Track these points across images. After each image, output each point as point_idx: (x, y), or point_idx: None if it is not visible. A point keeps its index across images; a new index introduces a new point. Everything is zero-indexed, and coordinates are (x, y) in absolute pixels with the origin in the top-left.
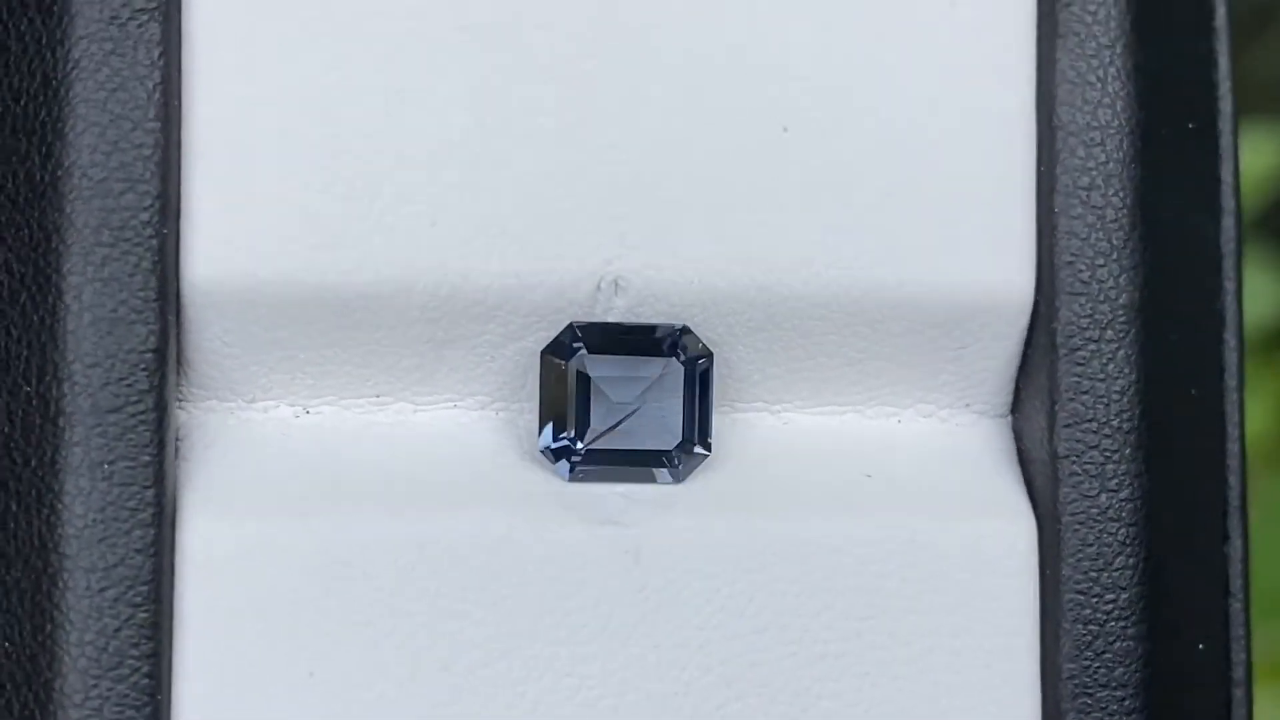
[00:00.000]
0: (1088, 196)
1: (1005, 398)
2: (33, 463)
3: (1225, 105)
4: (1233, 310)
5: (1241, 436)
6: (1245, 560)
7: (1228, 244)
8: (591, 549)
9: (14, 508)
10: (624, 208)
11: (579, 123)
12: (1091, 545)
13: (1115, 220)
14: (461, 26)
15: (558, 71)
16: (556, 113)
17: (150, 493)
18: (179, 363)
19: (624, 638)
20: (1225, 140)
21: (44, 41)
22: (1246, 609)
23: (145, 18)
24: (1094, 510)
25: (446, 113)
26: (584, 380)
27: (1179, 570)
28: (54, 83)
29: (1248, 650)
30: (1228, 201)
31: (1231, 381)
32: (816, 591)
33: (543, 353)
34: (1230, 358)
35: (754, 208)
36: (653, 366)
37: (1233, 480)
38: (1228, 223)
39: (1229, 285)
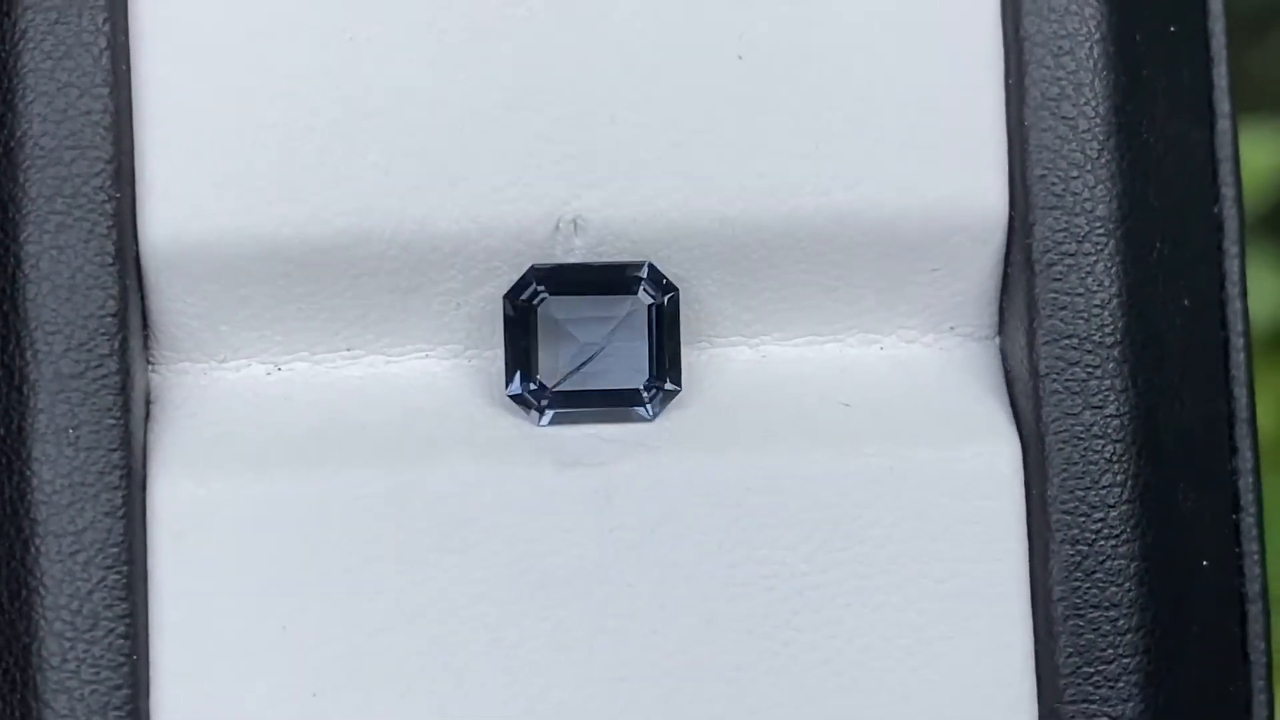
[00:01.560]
0: (1058, 107)
1: (991, 319)
2: (1, 432)
3: (1214, 5)
4: (1233, 216)
5: (1247, 347)
6: (1256, 474)
7: (1223, 148)
8: (563, 490)
9: None
10: (578, 146)
11: (529, 62)
12: (1077, 464)
13: (1088, 130)
14: None
15: (505, 12)
16: (506, 54)
17: (117, 455)
18: (146, 326)
19: (599, 578)
20: (1216, 42)
21: None
22: (1259, 524)
23: None
24: (1078, 428)
25: (394, 59)
26: (549, 323)
27: (1176, 487)
28: (2, 55)
29: (1263, 566)
30: (1221, 105)
31: (1234, 289)
32: (793, 524)
33: (504, 297)
34: (1231, 265)
35: (712, 139)
36: (618, 305)
37: (1238, 391)
38: (1223, 126)
39: (1227, 191)
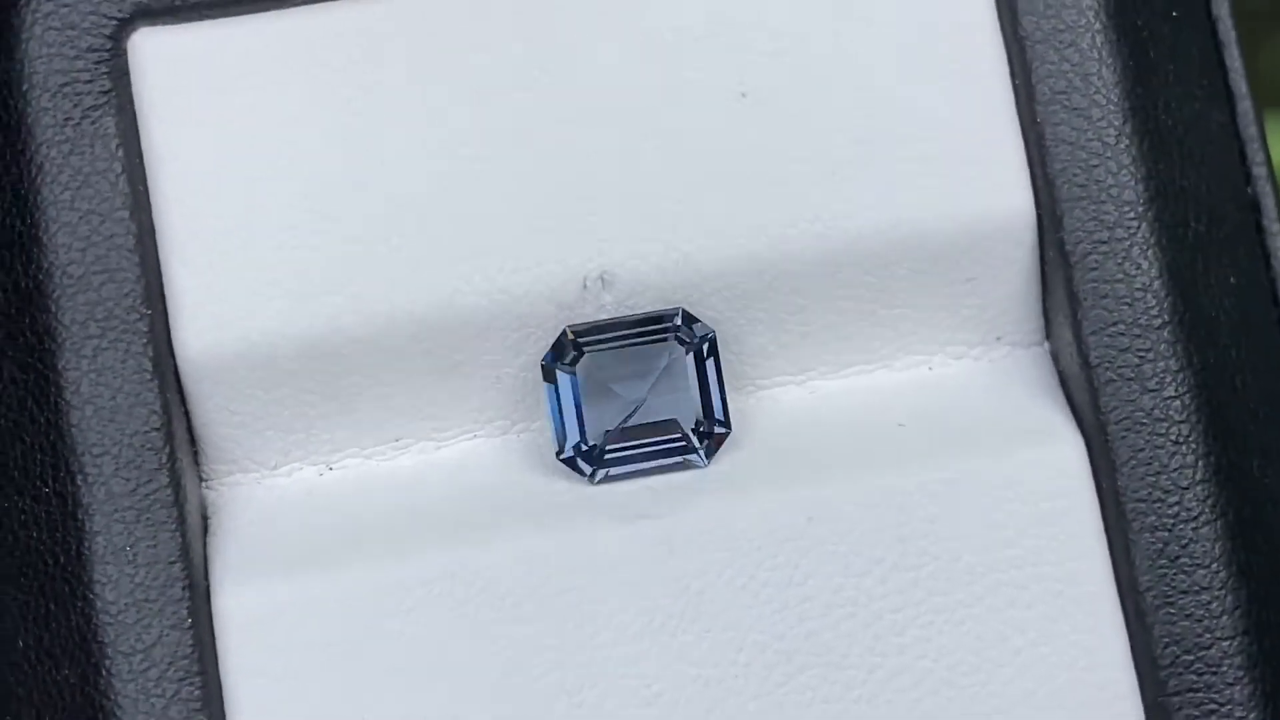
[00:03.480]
0: (1068, 99)
1: (1036, 324)
2: (61, 560)
3: None
4: (1268, 195)
5: None
6: None
7: (1247, 129)
8: (624, 546)
9: (52, 608)
10: (595, 202)
11: (537, 127)
12: (1143, 450)
13: (1102, 118)
14: (410, 60)
15: (509, 84)
16: (514, 122)
17: (177, 568)
18: (194, 441)
19: (672, 629)
20: (1223, 26)
21: (8, 156)
22: None
23: (98, 113)
24: (1139, 414)
25: (405, 146)
26: (591, 382)
27: (1250, 462)
28: (22, 191)
29: None
30: (1238, 87)
31: None
32: (862, 549)
33: (543, 363)
34: (1275, 243)
35: (726, 178)
36: (657, 355)
37: None
38: (1244, 107)
39: (1259, 170)
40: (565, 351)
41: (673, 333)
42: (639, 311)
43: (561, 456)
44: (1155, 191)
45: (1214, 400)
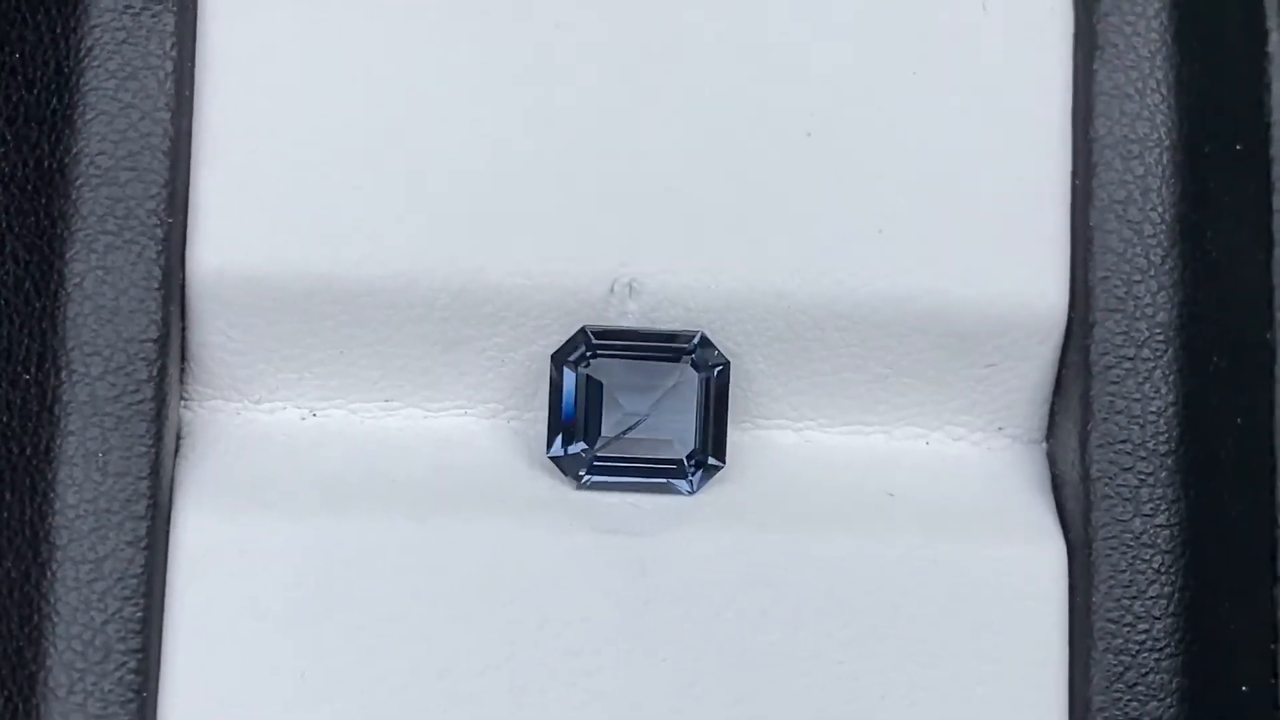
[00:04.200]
0: (1124, 211)
1: (1040, 422)
2: (28, 451)
3: (1278, 133)
4: None
5: None
6: None
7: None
8: (597, 558)
9: (7, 497)
10: (640, 210)
11: (596, 123)
12: (1124, 571)
13: (1154, 235)
14: (483, 17)
15: (578, 70)
16: (575, 112)
17: (145, 485)
18: (184, 360)
19: (629, 649)
20: (1277, 170)
21: (58, 30)
22: None
23: (159, 8)
24: (1127, 535)
25: (463, 108)
26: (595, 386)
27: (1220, 606)
28: (66, 70)
29: None
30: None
31: None
32: (832, 610)
33: (553, 357)
34: None
35: (774, 213)
36: (667, 374)
37: None
38: None
39: None
40: (577, 349)
41: (688, 354)
42: (659, 327)
43: (551, 454)
44: (1189, 318)
45: (1200, 536)
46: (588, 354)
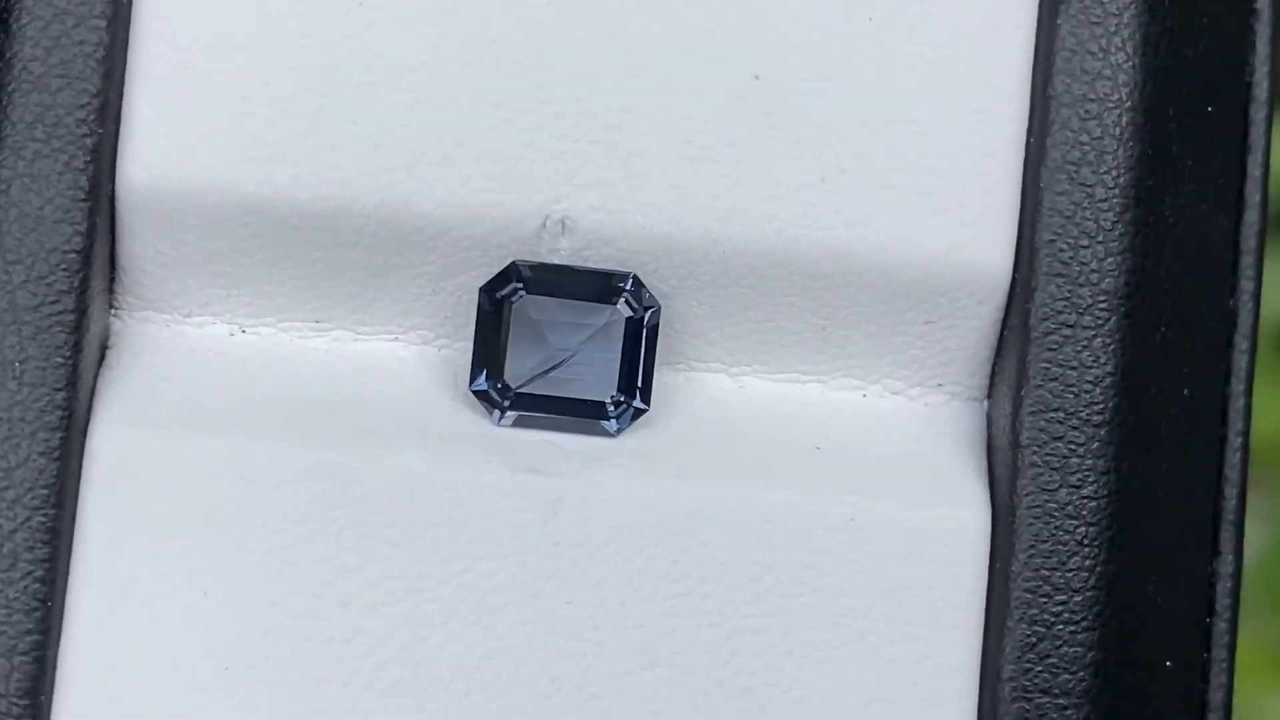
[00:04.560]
0: (1077, 172)
1: (982, 381)
2: None
3: (1259, 92)
4: (1248, 311)
5: (1245, 447)
6: (1237, 579)
7: (1248, 240)
8: (510, 496)
9: None
10: (577, 145)
11: (535, 54)
12: (1045, 541)
13: (1105, 200)
14: None
15: (520, 1)
16: (513, 43)
17: (60, 396)
18: (114, 269)
19: (535, 590)
20: (1256, 130)
21: None
22: (1233, 631)
23: None
24: (1051, 505)
25: (401, 34)
26: (523, 322)
27: (1148, 580)
28: None
29: (1229, 675)
30: (1252, 196)
31: (1239, 386)
32: (744, 563)
33: (481, 289)
34: (1240, 361)
35: (716, 157)
36: (596, 313)
37: (1230, 492)
38: (1250, 217)
39: (1246, 285)
40: (507, 283)
41: (619, 295)
42: (591, 265)
43: (473, 387)
44: (1135, 287)
45: (1130, 509)
46: (517, 288)
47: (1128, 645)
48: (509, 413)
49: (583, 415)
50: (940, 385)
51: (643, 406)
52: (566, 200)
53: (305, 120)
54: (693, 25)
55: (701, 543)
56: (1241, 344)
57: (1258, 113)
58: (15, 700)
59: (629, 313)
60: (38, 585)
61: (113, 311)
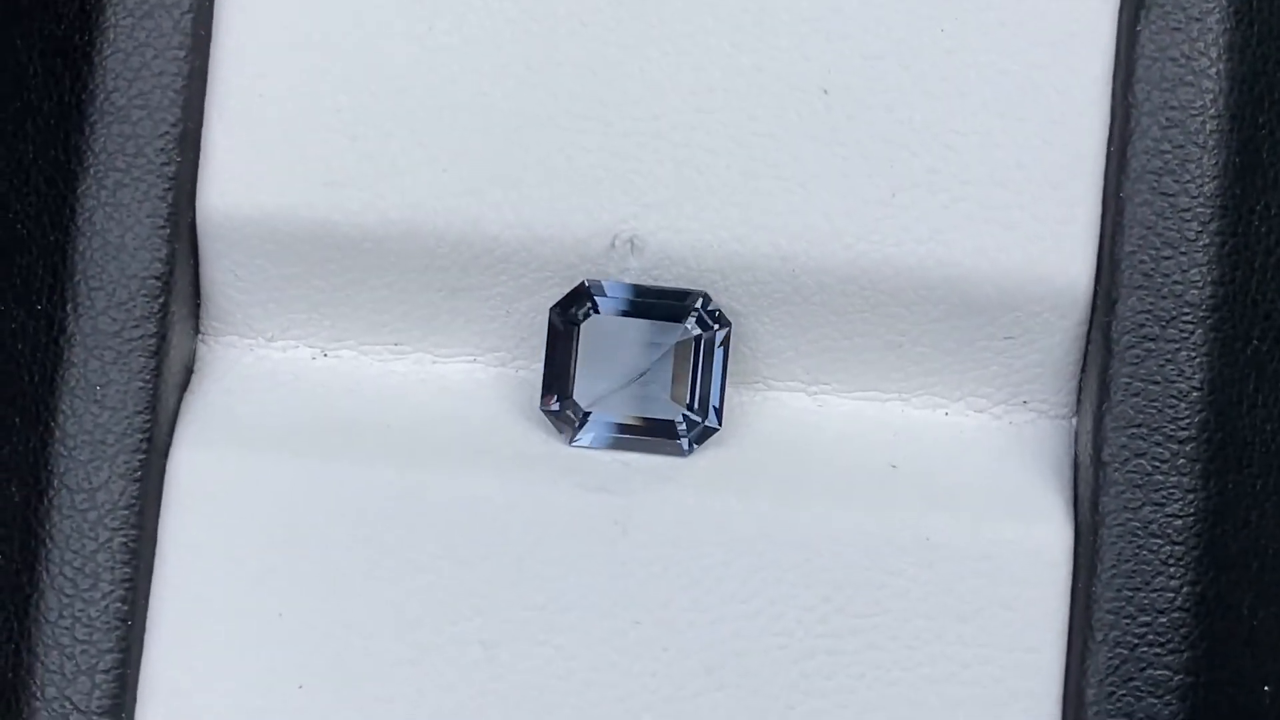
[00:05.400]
0: (1159, 181)
1: (1069, 397)
2: (35, 379)
3: None
4: None
5: None
6: None
7: None
8: (581, 515)
9: (16, 422)
10: (645, 165)
11: (602, 74)
12: (1129, 561)
13: (1189, 209)
14: None
15: (586, 21)
16: (581, 63)
17: (141, 419)
18: (199, 295)
19: (604, 610)
20: None
21: None
22: None
23: None
24: (1135, 524)
25: (469, 58)
26: (594, 341)
27: (1243, 600)
28: (89, 6)
29: None
30: None
31: None
32: (815, 583)
33: (551, 310)
34: None
35: (785, 174)
36: (667, 332)
37: None
38: None
39: None
40: (577, 303)
41: (690, 315)
42: (662, 284)
43: (544, 407)
44: (1223, 299)
45: (1221, 528)
46: (588, 308)
47: (1219, 668)
48: (581, 432)
49: (654, 435)
50: (1025, 403)
51: (714, 425)
52: (635, 220)
53: (376, 146)
54: (760, 41)
55: (771, 562)
56: None
57: None
58: (97, 717)
59: (699, 331)
60: (119, 604)
61: (199, 336)
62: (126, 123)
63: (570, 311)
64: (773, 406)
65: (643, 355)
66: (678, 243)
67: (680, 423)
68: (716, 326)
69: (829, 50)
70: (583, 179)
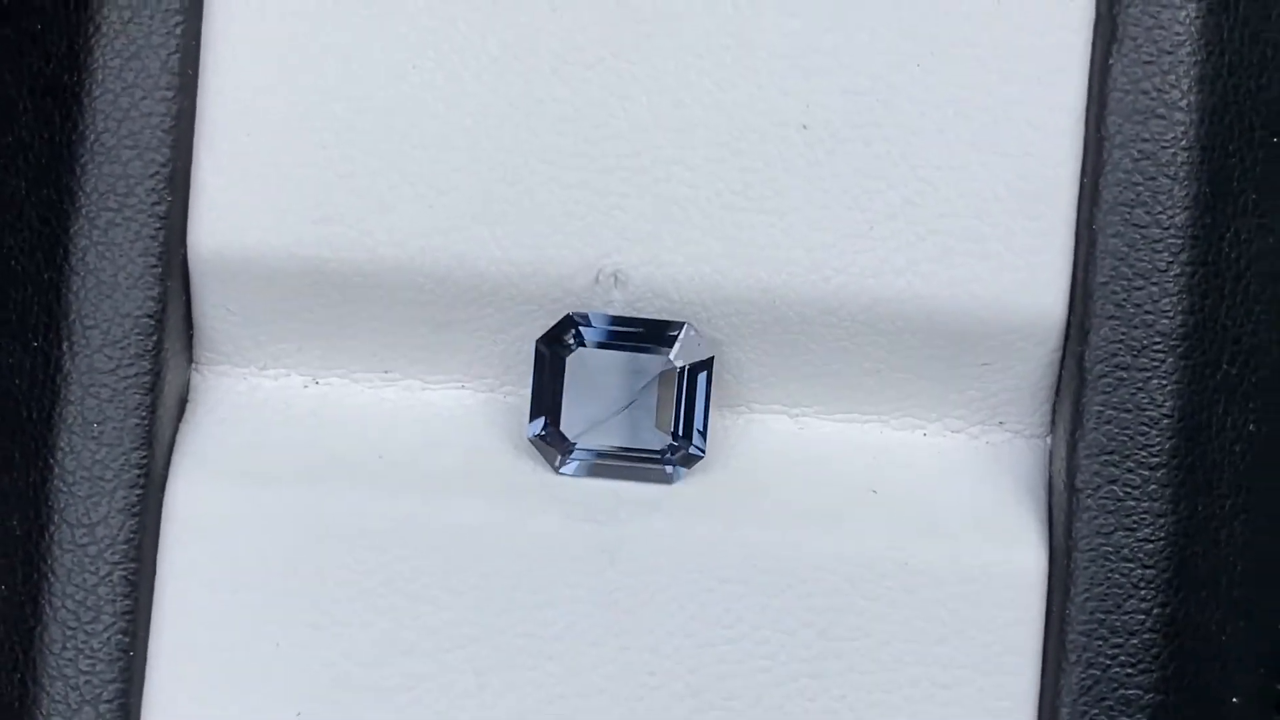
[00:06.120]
0: (1130, 213)
1: (1043, 418)
2: (34, 416)
3: None
4: None
5: None
6: None
7: None
8: (567, 545)
9: (16, 457)
10: (627, 200)
11: (585, 110)
12: (1101, 585)
13: (1160, 240)
14: (476, 7)
15: (568, 58)
16: (563, 100)
17: (137, 455)
18: (191, 325)
19: (592, 638)
20: None
21: (72, 5)
22: None
23: None
24: (1107, 548)
25: (453, 96)
26: (579, 372)
27: (1211, 619)
28: (77, 47)
29: None
30: None
31: None
32: (797, 608)
33: (537, 341)
34: None
35: (765, 207)
36: (651, 362)
37: None
38: None
39: None
40: (563, 335)
41: (672, 344)
42: (644, 315)
43: (530, 435)
44: (1194, 327)
45: (1191, 551)
46: (572, 340)
47: (1189, 686)
48: (568, 461)
49: (640, 462)
50: (1002, 423)
51: (698, 453)
52: (618, 254)
53: (362, 183)
54: (740, 78)
55: (755, 589)
56: None
57: None
58: None
59: (683, 360)
60: (120, 636)
61: (192, 366)
62: (117, 163)
63: (555, 343)
64: (756, 429)
65: (627, 384)
66: (660, 276)
67: (666, 450)
68: (700, 355)
69: (807, 86)
70: (567, 214)
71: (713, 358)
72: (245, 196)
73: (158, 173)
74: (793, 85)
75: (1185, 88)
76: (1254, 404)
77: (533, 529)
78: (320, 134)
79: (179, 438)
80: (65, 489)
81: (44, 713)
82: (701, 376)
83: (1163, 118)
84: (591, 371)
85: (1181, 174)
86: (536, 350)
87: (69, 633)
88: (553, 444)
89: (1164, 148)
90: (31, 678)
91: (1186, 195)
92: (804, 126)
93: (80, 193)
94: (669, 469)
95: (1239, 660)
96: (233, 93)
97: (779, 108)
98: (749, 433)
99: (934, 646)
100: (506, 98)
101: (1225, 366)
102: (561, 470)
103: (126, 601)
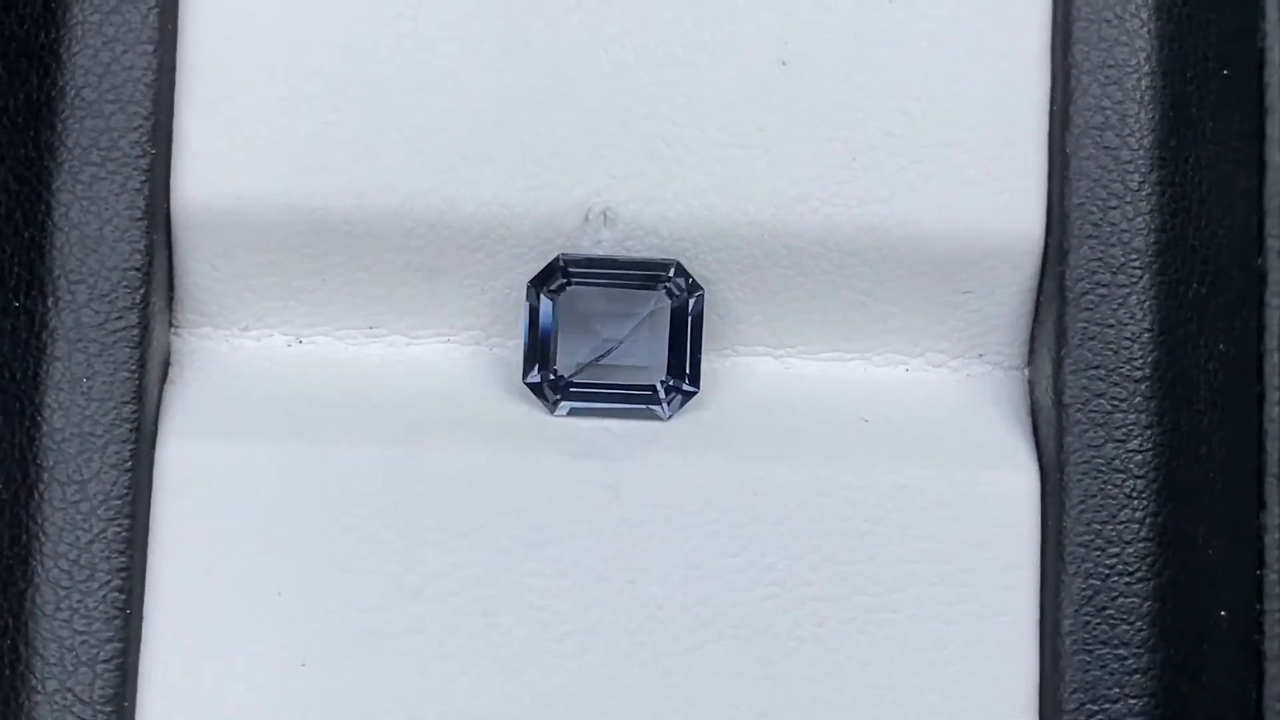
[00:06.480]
0: (1101, 136)
1: (1021, 349)
2: (18, 376)
3: (1274, 56)
4: (1277, 268)
5: None
6: None
7: (1272, 200)
8: (570, 482)
9: (2, 418)
10: (614, 138)
11: (569, 51)
12: (1095, 496)
13: (1131, 161)
14: None
15: (551, 1)
16: (546, 41)
17: (128, 409)
18: (172, 288)
19: (599, 573)
20: (1273, 92)
21: None
22: None
23: None
24: (1099, 460)
25: (436, 39)
26: (571, 313)
27: (1198, 531)
28: (53, 4)
29: None
30: (1273, 157)
31: (1274, 342)
32: (802, 535)
33: (529, 284)
34: (1273, 318)
35: (748, 142)
36: (642, 301)
37: (1272, 447)
38: (1273, 178)
39: (1273, 243)
40: (553, 277)
41: (663, 283)
42: (635, 255)
43: (527, 380)
44: (1165, 245)
45: (1175, 462)
46: (563, 281)
47: (1182, 595)
48: (563, 403)
49: (634, 401)
50: (981, 355)
51: (692, 389)
52: (607, 192)
53: (349, 130)
54: (719, 17)
55: (757, 517)
56: (1273, 300)
57: (1273, 76)
58: (100, 707)
59: (673, 299)
60: (116, 594)
61: (173, 330)
62: (99, 117)
63: (546, 285)
64: (742, 370)
65: (619, 325)
66: (649, 213)
67: (659, 389)
68: (690, 293)
69: (785, 24)
70: (554, 154)
71: (703, 293)
72: (229, 147)
73: (140, 125)
74: (770, 23)
75: (1145, 16)
76: (1221, 324)
77: (534, 468)
78: (304, 82)
79: (165, 398)
80: (54, 446)
81: (39, 676)
82: (692, 314)
83: (1125, 45)
84: (583, 312)
85: (1146, 98)
86: (527, 293)
87: (63, 593)
88: (548, 386)
89: (1128, 73)
90: (24, 641)
91: (1152, 119)
92: (783, 63)
93: (62, 148)
94: (663, 407)
95: (1226, 574)
96: (214, 44)
97: (758, 45)
98: (736, 372)
99: (937, 565)
100: (490, 42)
101: (1195, 285)
102: (557, 412)
103: (121, 559)
